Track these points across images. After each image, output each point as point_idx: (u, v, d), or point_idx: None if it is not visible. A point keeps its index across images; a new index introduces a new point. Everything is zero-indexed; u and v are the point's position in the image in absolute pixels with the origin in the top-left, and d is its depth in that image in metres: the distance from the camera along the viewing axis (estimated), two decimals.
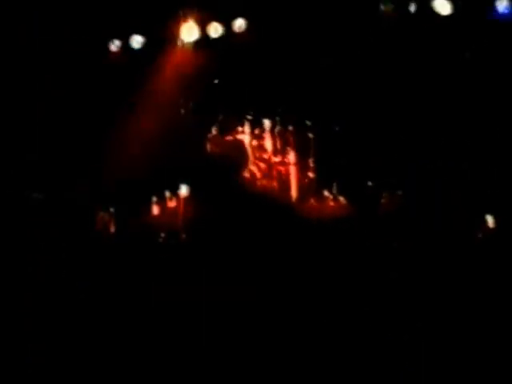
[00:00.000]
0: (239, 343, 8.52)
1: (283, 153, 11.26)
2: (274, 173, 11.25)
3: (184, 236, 10.88)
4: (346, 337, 8.43)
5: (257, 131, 11.35)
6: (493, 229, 9.89)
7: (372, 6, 10.41)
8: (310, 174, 11.14)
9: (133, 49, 11.28)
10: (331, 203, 10.82)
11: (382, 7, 10.30)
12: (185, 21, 11.02)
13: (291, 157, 11.23)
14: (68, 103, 11.08)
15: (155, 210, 11.13)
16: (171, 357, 8.48)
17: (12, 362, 8.37)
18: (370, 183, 10.67)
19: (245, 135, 11.35)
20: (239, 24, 10.98)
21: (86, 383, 8.28)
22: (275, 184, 11.22)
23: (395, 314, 8.65)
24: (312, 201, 10.97)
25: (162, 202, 11.15)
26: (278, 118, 11.27)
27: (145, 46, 11.27)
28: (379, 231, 10.12)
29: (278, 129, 11.30)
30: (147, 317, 9.14)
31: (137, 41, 11.26)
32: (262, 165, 11.30)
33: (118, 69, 11.21)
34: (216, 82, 11.42)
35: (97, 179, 10.93)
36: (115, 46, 11.27)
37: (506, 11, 9.88)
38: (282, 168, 11.24)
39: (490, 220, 9.94)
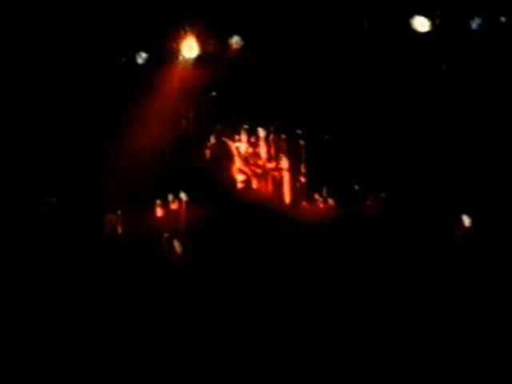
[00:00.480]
0: (236, 343, 9.02)
1: (277, 159, 11.74)
2: (269, 178, 11.72)
3: (184, 236, 11.35)
4: (340, 337, 8.94)
5: (252, 139, 11.82)
6: (479, 229, 10.35)
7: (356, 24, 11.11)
8: (302, 179, 11.65)
9: (137, 64, 11.88)
10: (321, 205, 11.35)
11: (366, 25, 10.95)
12: (185, 38, 11.61)
13: (284, 163, 11.72)
14: (79, 112, 11.66)
15: (159, 212, 11.62)
16: (174, 356, 8.97)
17: (18, 362, 8.91)
18: (356, 187, 11.22)
19: (241, 143, 11.83)
20: (235, 41, 11.62)
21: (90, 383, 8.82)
22: (270, 188, 11.69)
23: (387, 314, 9.19)
24: (304, 203, 11.50)
25: (165, 205, 11.62)
26: (272, 128, 11.78)
27: (148, 61, 11.84)
28: (365, 230, 10.68)
29: (272, 137, 11.79)
30: (151, 316, 9.67)
31: (141, 57, 11.86)
32: (258, 170, 11.75)
33: (125, 82, 11.81)
34: (214, 94, 11.95)
35: (105, 184, 11.38)
36: (122, 61, 11.91)
37: (479, 28, 10.54)
38: (275, 173, 11.72)
39: (469, 220, 10.45)
